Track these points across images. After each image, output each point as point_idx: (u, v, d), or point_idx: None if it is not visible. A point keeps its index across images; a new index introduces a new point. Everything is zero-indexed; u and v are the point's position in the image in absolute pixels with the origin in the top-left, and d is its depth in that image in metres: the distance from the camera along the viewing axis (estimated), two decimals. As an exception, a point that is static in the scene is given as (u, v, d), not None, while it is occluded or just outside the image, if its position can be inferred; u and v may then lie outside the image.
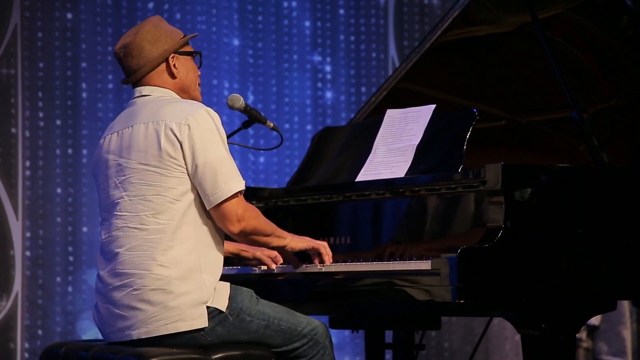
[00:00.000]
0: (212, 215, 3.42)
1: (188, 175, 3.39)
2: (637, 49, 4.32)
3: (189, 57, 3.59)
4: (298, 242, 3.64)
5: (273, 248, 3.63)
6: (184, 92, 3.57)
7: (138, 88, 3.56)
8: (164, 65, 3.54)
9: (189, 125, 3.39)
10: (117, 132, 3.50)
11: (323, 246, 3.69)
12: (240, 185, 3.40)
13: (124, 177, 3.44)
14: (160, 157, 3.39)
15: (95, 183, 3.56)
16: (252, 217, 3.44)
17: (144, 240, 3.38)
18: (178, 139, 3.38)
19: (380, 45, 6.86)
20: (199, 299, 3.38)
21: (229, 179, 3.38)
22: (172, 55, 3.53)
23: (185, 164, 3.39)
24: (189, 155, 3.38)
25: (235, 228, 3.41)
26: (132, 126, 3.46)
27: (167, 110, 3.43)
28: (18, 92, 6.07)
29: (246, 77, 6.60)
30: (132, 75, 3.54)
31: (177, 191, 3.39)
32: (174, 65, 3.54)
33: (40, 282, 6.07)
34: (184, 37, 3.58)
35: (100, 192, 3.51)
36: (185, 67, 3.57)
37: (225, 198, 3.37)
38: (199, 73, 3.64)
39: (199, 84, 3.63)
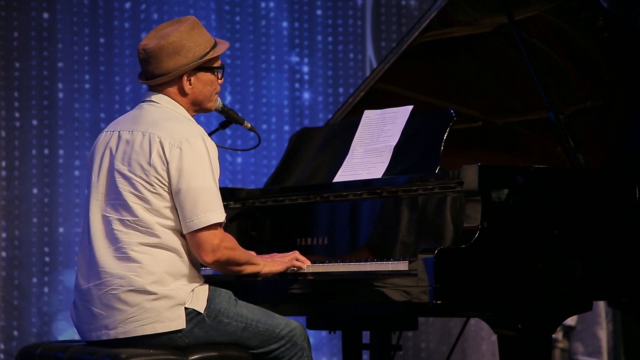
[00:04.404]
0: (188, 241, 3.41)
1: (170, 195, 3.39)
2: (612, 51, 4.34)
3: (209, 72, 3.56)
4: (272, 267, 3.63)
5: (248, 275, 3.60)
6: (195, 106, 3.56)
7: (149, 93, 3.55)
8: (178, 80, 3.51)
9: (180, 149, 3.38)
10: (119, 132, 3.49)
11: (296, 261, 3.68)
12: (219, 217, 3.38)
13: (113, 179, 3.44)
14: (147, 171, 3.39)
15: (88, 174, 3.53)
16: (227, 248, 3.43)
17: (125, 242, 3.38)
18: (166, 158, 3.38)
19: (357, 46, 6.87)
20: (176, 301, 3.37)
21: (208, 209, 3.37)
22: (188, 72, 3.50)
23: (170, 184, 3.39)
24: (175, 177, 3.38)
25: (209, 258, 3.40)
26: (132, 131, 3.45)
27: (165, 127, 3.42)
28: (-6, 92, 6.05)
29: (224, 77, 6.59)
30: (147, 81, 3.51)
31: (157, 205, 3.39)
32: (189, 81, 3.52)
33: (16, 283, 6.05)
34: (210, 49, 3.53)
35: (90, 187, 3.50)
36: (201, 83, 3.54)
37: (200, 227, 3.36)
38: (218, 85, 3.58)
39: (216, 92, 3.60)
